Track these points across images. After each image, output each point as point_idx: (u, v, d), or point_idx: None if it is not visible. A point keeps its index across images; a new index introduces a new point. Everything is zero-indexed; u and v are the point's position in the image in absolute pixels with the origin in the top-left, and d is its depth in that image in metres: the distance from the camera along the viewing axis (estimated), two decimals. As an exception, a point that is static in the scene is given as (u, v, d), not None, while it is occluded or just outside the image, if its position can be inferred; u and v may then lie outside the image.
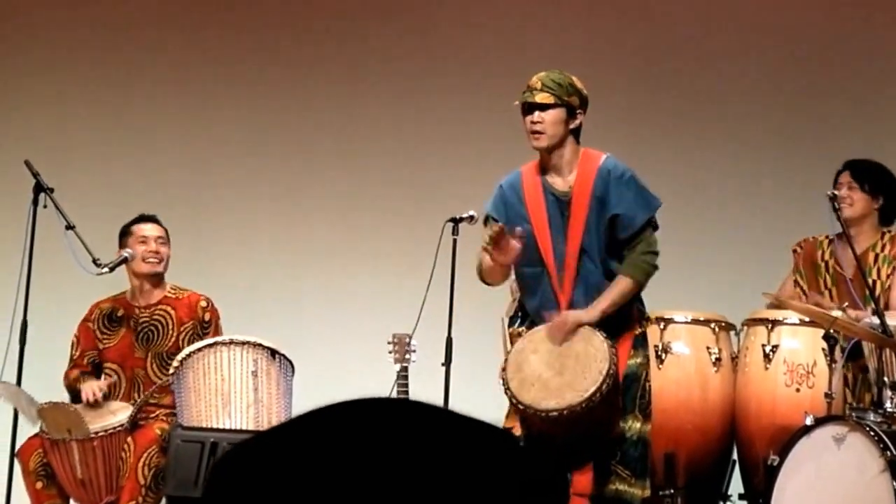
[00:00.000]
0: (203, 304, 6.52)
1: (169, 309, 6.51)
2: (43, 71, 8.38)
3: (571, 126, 5.41)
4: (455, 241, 5.98)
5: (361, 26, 8.45)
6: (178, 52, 8.41)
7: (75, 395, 6.40)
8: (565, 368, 5.17)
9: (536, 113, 5.37)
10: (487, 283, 5.65)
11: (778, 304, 6.32)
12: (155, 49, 8.42)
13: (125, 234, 6.55)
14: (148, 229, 6.54)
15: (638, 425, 5.37)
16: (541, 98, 5.36)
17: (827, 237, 6.58)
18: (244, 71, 8.41)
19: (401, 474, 1.41)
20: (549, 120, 5.36)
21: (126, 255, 6.47)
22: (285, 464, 1.43)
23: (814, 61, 8.26)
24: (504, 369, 5.31)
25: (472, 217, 6.07)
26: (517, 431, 5.25)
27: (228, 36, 8.42)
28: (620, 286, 5.33)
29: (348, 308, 7.96)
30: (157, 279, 6.54)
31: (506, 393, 5.26)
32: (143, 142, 8.33)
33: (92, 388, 6.27)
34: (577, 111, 5.41)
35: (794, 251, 6.66)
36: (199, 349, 6.11)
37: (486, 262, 5.42)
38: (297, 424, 1.46)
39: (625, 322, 5.41)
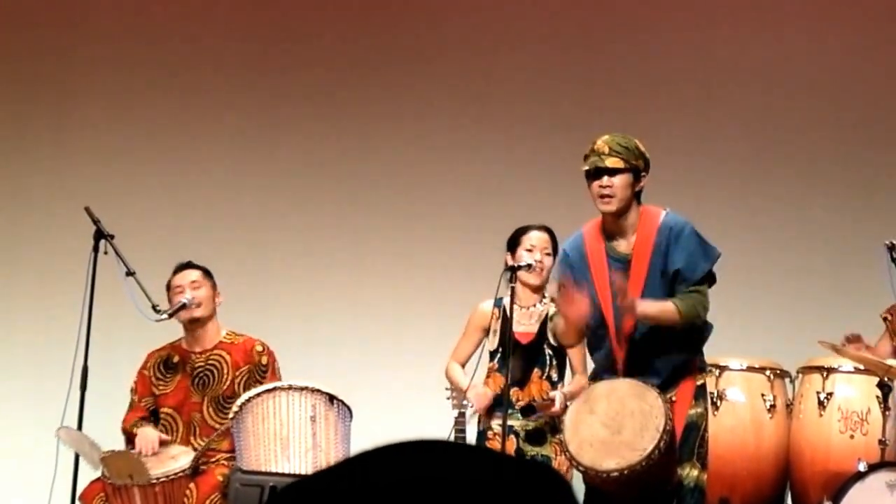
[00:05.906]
0: (259, 348, 6.53)
1: (224, 353, 6.53)
2: (103, 118, 8.43)
3: (636, 189, 5.44)
4: (513, 289, 6.04)
5: (422, 66, 8.48)
6: (236, 98, 8.45)
7: (130, 441, 6.43)
8: (623, 427, 5.19)
9: (605, 178, 5.36)
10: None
11: (836, 352, 6.35)
12: (212, 95, 8.47)
13: (168, 288, 6.58)
14: (178, 278, 6.55)
15: (695, 473, 5.42)
16: (611, 163, 5.37)
17: None
18: (302, 115, 8.43)
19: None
20: (619, 184, 5.37)
21: (185, 300, 6.51)
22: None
23: (881, 107, 8.18)
24: (562, 431, 5.39)
25: (529, 266, 6.13)
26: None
27: (286, 80, 8.45)
28: (665, 305, 5.32)
29: (407, 354, 7.98)
30: (200, 324, 6.53)
31: (565, 454, 5.32)
32: (202, 188, 8.38)
33: (147, 443, 6.31)
34: (642, 174, 5.43)
35: (885, 318, 6.62)
36: (259, 394, 6.12)
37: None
38: (348, 465, 1.45)
39: (686, 373, 5.46)
